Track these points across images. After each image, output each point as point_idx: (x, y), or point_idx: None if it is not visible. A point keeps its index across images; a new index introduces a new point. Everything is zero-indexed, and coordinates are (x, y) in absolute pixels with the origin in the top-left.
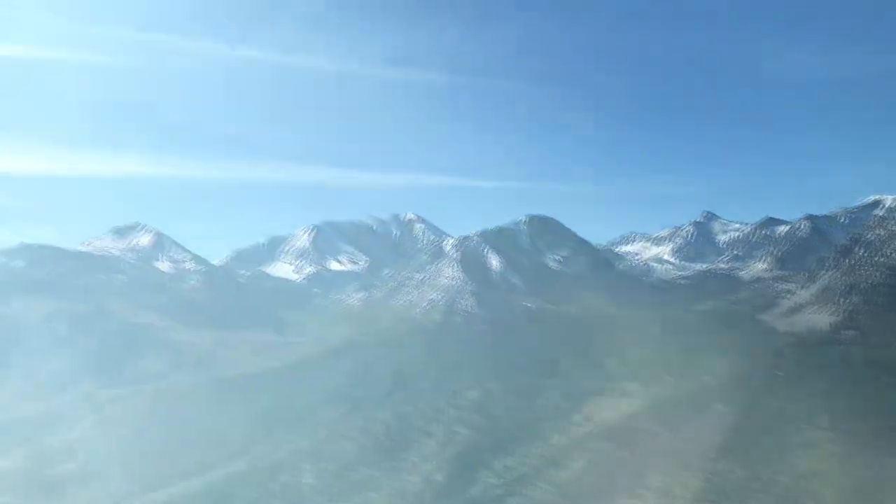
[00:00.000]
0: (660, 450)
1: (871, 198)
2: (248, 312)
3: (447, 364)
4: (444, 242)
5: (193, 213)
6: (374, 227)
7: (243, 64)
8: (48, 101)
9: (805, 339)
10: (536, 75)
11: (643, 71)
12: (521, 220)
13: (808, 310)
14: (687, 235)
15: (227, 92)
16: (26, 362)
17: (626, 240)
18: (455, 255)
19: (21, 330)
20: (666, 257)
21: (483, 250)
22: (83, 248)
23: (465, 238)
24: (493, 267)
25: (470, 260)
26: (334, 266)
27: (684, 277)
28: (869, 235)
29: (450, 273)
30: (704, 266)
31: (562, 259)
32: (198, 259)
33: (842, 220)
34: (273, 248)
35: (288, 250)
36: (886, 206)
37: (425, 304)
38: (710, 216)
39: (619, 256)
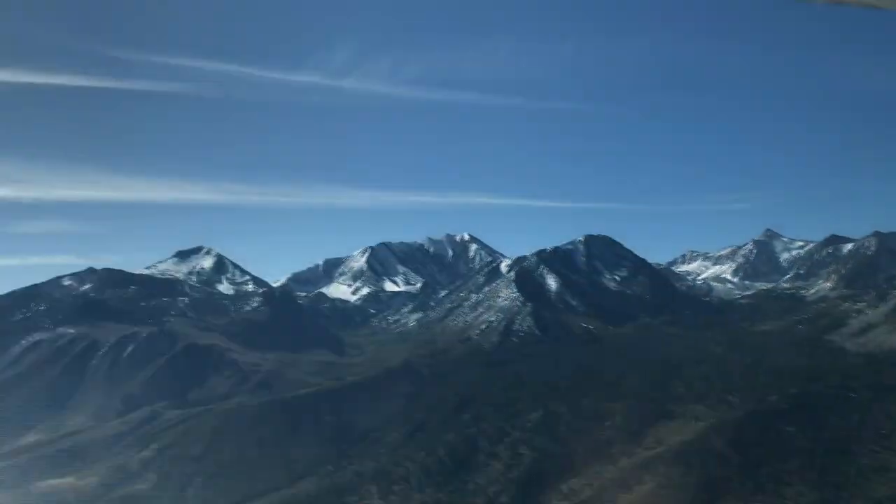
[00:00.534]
0: (731, 473)
1: None
2: (307, 333)
3: (507, 385)
4: (500, 263)
5: (251, 238)
6: (429, 248)
7: (297, 90)
8: (112, 129)
9: (876, 359)
10: (592, 94)
11: (700, 87)
12: (577, 240)
13: (879, 330)
14: (748, 254)
15: (279, 118)
16: (98, 384)
17: (685, 259)
18: (511, 276)
19: (91, 352)
20: (726, 276)
21: (540, 271)
22: (148, 272)
23: (521, 258)
24: (551, 287)
25: (526, 280)
26: (390, 287)
27: (746, 297)
28: None
29: (506, 294)
30: (767, 285)
31: (620, 279)
32: (257, 281)
33: None
34: (329, 270)
35: (344, 272)
36: None
37: (482, 325)
38: (772, 234)
39: (679, 276)
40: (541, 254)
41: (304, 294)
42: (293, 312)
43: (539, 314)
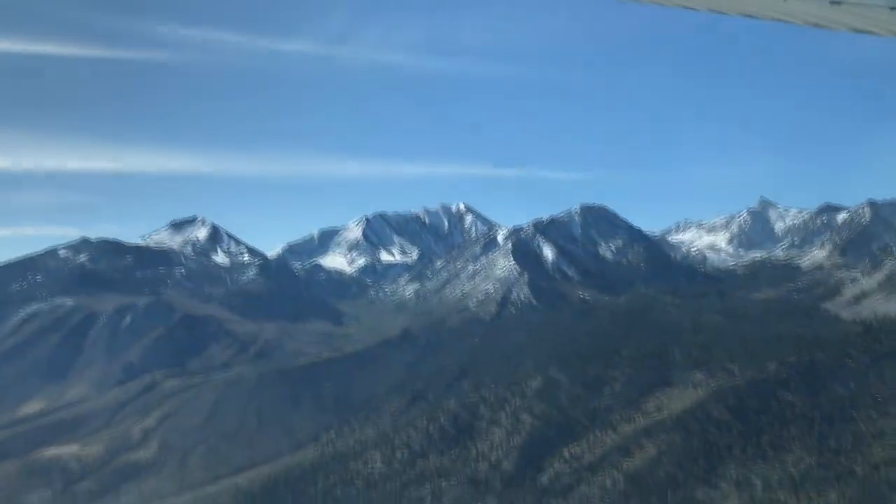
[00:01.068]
0: (731, 439)
1: None
2: (304, 304)
3: (506, 354)
4: (496, 233)
5: (244, 208)
6: (424, 219)
7: (288, 58)
8: (107, 99)
9: (872, 327)
10: (586, 64)
11: (693, 57)
12: (573, 210)
13: (874, 297)
14: (743, 223)
15: (274, 87)
16: (97, 354)
17: (680, 228)
18: (508, 246)
19: (90, 322)
20: (721, 245)
21: (536, 241)
22: (143, 243)
23: (518, 229)
24: (547, 257)
25: (523, 251)
26: (386, 257)
27: (741, 266)
28: None
29: (503, 264)
30: (762, 254)
31: (616, 248)
32: (253, 251)
33: None
34: (324, 240)
35: (340, 242)
36: None
37: (480, 295)
38: (767, 203)
39: (673, 245)
40: (537, 224)
41: (299, 265)
42: (289, 283)
43: (536, 284)
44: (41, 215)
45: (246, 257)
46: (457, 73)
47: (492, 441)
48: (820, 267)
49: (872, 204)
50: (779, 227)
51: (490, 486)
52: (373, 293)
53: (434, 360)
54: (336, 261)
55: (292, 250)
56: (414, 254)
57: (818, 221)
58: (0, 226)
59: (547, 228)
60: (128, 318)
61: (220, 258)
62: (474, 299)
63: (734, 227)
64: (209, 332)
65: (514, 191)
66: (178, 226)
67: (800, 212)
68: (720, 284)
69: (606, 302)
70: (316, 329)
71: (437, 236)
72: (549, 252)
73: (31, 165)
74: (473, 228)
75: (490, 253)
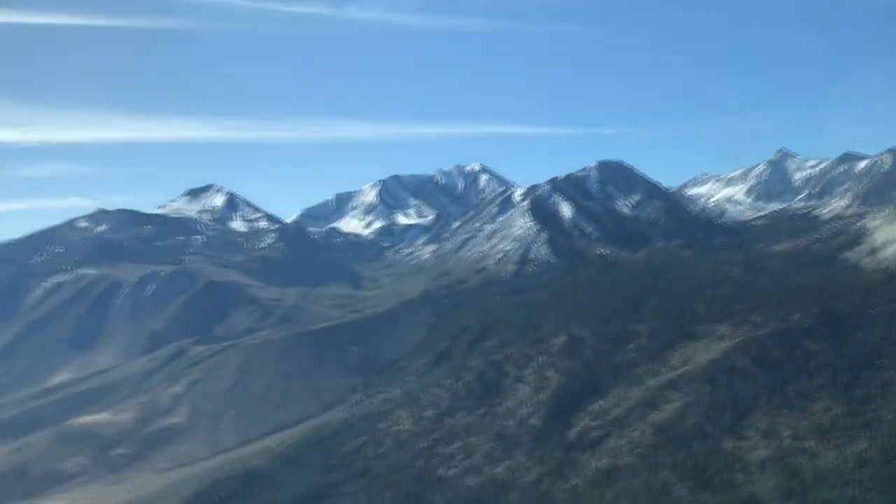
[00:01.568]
0: (758, 390)
1: None
2: (323, 268)
3: (528, 313)
4: (513, 192)
5: (259, 174)
6: (439, 180)
7: (298, 21)
8: (117, 69)
9: (894, 275)
10: (599, 17)
11: (709, 8)
12: (590, 167)
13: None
14: (760, 174)
15: (284, 51)
16: (122, 323)
17: (697, 181)
18: (525, 205)
19: (113, 292)
20: (739, 198)
21: (553, 198)
22: (160, 212)
23: (534, 187)
24: (565, 215)
25: (540, 209)
26: (402, 220)
27: (760, 218)
28: None
29: (521, 223)
30: (781, 205)
31: (634, 204)
32: (270, 218)
33: None
34: (341, 204)
35: (356, 206)
36: None
37: (498, 254)
38: (785, 154)
39: (690, 199)
40: (554, 181)
41: (316, 229)
42: (308, 248)
43: (554, 242)
44: (53, 188)
45: (263, 223)
46: (467, 31)
47: (518, 398)
48: (840, 216)
49: (893, 151)
50: (798, 177)
51: (519, 442)
52: (390, 255)
53: (456, 320)
54: (353, 224)
55: (309, 215)
56: (430, 215)
57: (838, 171)
58: (12, 199)
59: (564, 185)
60: (150, 287)
61: (237, 225)
62: (493, 259)
63: (752, 179)
64: (232, 299)
65: (529, 149)
66: (194, 193)
67: (819, 162)
68: (739, 237)
69: (626, 258)
70: (336, 292)
71: (453, 197)
72: (566, 209)
73: (42, 137)
74: (489, 188)
75: (507, 212)
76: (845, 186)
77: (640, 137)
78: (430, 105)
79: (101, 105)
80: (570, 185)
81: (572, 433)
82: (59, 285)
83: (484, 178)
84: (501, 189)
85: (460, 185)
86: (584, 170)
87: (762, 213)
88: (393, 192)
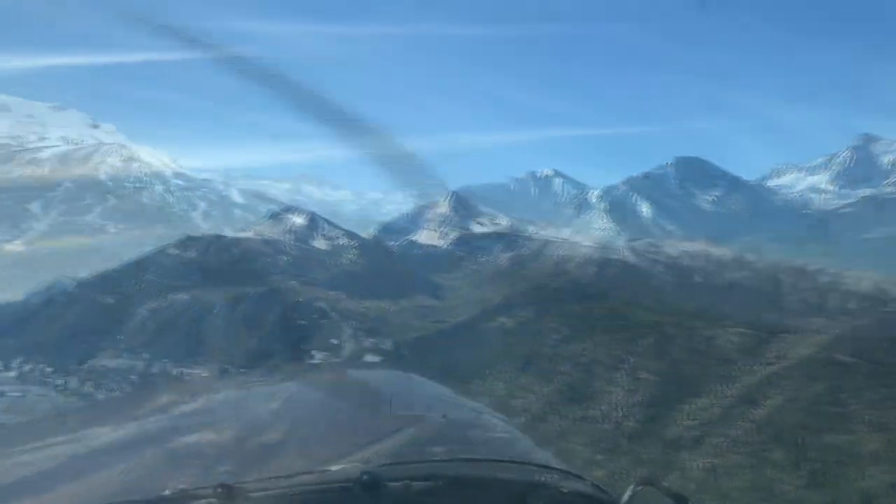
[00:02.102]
0: (860, 383)
1: None
2: (404, 280)
3: (613, 315)
4: (588, 194)
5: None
6: (511, 187)
7: (362, 39)
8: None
9: None
10: (664, 14)
11: None
12: (666, 164)
13: None
14: (845, 161)
15: (347, 72)
16: (220, 343)
17: (778, 172)
18: (602, 206)
19: (209, 314)
20: (824, 186)
21: (631, 198)
22: (244, 235)
23: (611, 188)
24: (644, 214)
25: (618, 209)
26: (477, 229)
27: (848, 205)
28: None
29: (599, 224)
30: (869, 191)
31: (715, 199)
32: (349, 234)
33: None
34: (415, 217)
35: (430, 218)
36: None
37: (578, 257)
38: (870, 138)
39: (773, 191)
40: (630, 181)
41: (394, 243)
42: (387, 261)
43: (634, 241)
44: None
45: (343, 241)
46: (533, 38)
47: (612, 401)
48: None
49: None
50: (885, 160)
51: (617, 444)
52: (467, 265)
53: (539, 325)
54: (429, 236)
55: (386, 230)
56: (505, 222)
57: None
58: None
59: (641, 185)
60: (242, 308)
61: (319, 243)
62: (573, 262)
63: (836, 166)
64: (320, 315)
65: (600, 151)
66: (276, 216)
67: None
68: (827, 226)
69: (710, 254)
70: (418, 303)
71: (527, 203)
72: (645, 208)
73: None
74: (564, 192)
75: (584, 214)
76: None
77: (712, 132)
78: (495, 114)
79: (181, 134)
80: (648, 184)
81: (671, 433)
82: (155, 311)
83: (557, 182)
84: (576, 192)
85: (533, 190)
86: (660, 167)
87: (849, 201)
88: (465, 202)
